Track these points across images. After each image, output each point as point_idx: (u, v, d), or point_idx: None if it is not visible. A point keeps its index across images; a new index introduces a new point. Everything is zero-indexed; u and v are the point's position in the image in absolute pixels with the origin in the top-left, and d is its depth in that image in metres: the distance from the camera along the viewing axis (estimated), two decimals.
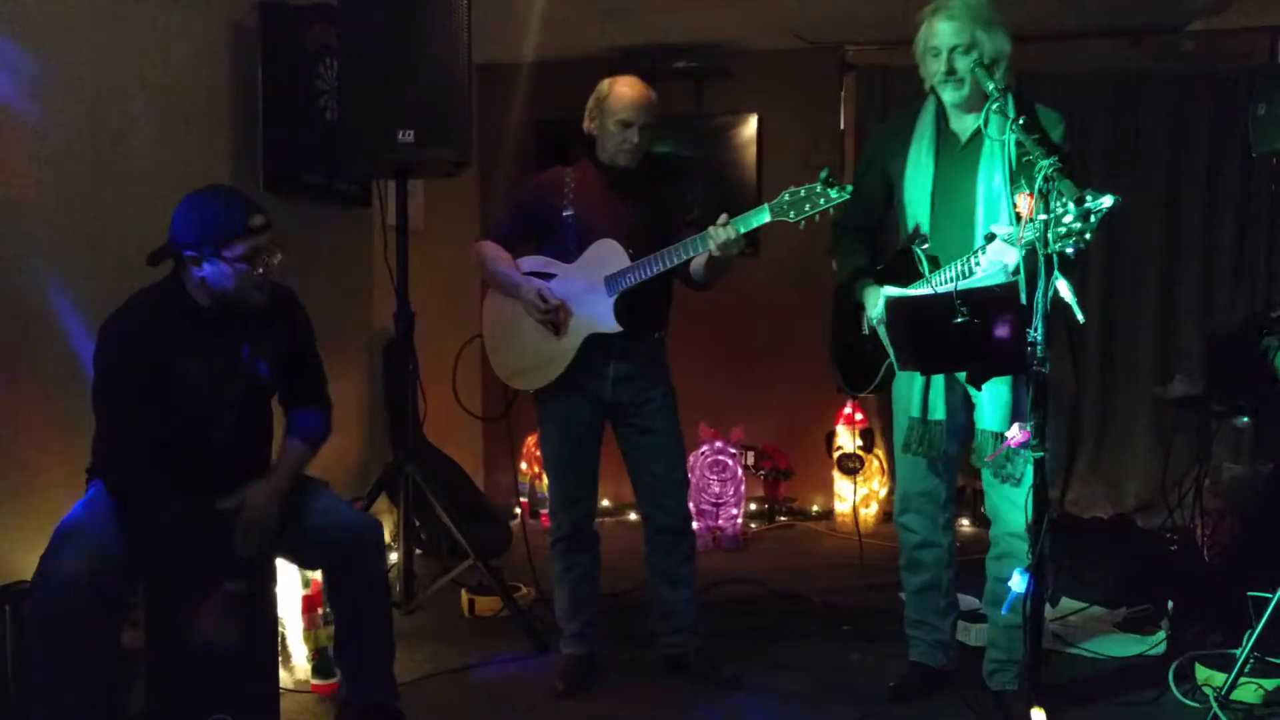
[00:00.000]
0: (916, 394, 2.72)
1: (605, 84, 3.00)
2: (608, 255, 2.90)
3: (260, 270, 2.35)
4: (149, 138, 3.02)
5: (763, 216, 2.70)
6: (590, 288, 2.90)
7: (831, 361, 3.00)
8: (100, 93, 2.84)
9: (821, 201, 2.64)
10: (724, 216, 2.72)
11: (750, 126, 5.28)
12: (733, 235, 2.70)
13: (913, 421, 2.74)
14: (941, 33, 2.56)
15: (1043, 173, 2.14)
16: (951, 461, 2.81)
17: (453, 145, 3.34)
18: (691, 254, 2.80)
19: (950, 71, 2.56)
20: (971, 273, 2.48)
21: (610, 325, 2.88)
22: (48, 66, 2.66)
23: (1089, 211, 2.08)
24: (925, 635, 2.91)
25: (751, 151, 5.28)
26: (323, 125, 3.73)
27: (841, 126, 5.28)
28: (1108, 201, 2.08)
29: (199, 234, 2.31)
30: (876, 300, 2.64)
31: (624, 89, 2.95)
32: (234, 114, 3.46)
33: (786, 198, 2.67)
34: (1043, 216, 2.13)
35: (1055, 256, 2.15)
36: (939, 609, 2.89)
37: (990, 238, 2.41)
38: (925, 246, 2.64)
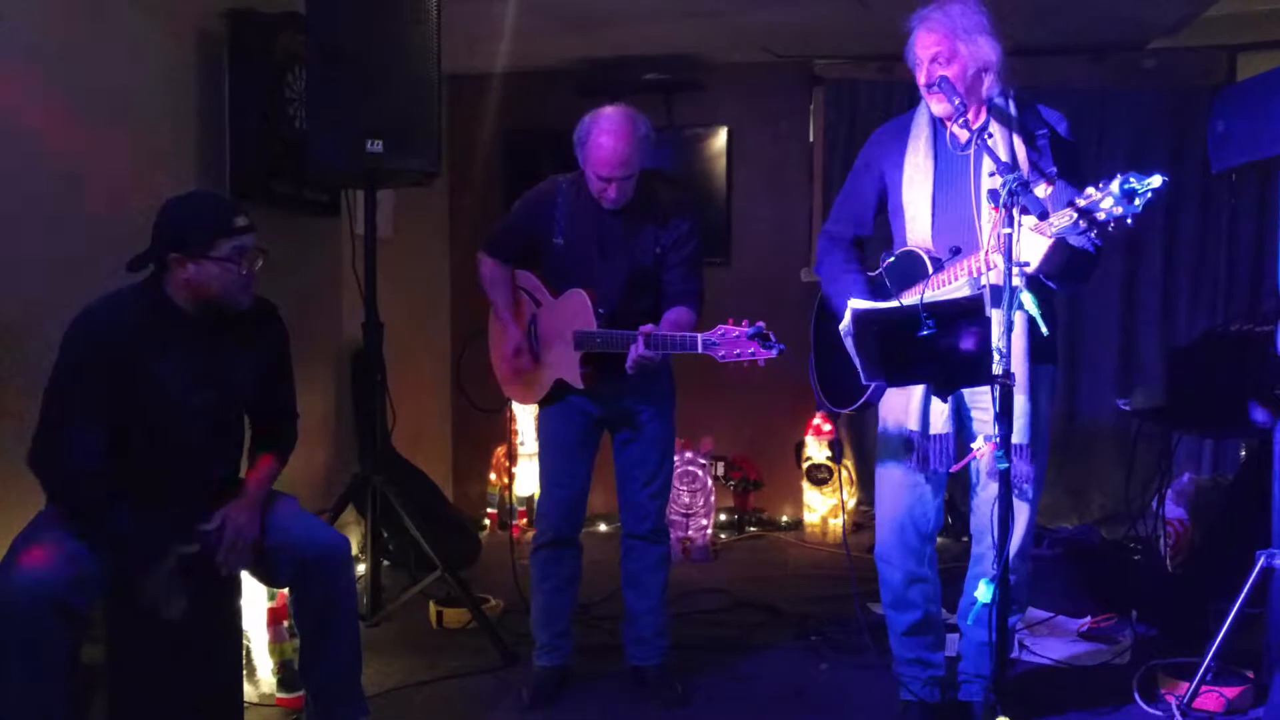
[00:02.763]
0: (917, 408, 2.57)
1: (586, 123, 2.76)
2: (577, 309, 2.83)
3: (246, 270, 2.35)
4: (115, 144, 2.99)
5: (695, 346, 2.59)
6: (561, 335, 2.89)
7: (814, 378, 2.88)
8: (65, 99, 2.81)
9: (751, 351, 2.55)
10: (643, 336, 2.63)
11: (720, 139, 5.31)
12: (645, 355, 2.64)
13: (912, 436, 2.58)
14: (920, 44, 2.51)
15: (1007, 187, 2.15)
16: (942, 485, 2.66)
17: (421, 155, 3.33)
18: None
19: (930, 83, 2.48)
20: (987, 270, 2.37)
21: (574, 381, 2.87)
22: (9, 70, 2.63)
23: (1133, 192, 2.00)
24: (920, 673, 2.74)
25: (722, 163, 5.32)
26: (291, 134, 3.71)
27: (811, 139, 5.33)
28: (1156, 181, 1.99)
29: (185, 234, 2.30)
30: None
31: (603, 141, 2.69)
32: (201, 121, 3.44)
33: (720, 333, 2.56)
34: (1005, 230, 2.15)
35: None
36: (931, 644, 2.74)
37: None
38: (928, 248, 2.53)
